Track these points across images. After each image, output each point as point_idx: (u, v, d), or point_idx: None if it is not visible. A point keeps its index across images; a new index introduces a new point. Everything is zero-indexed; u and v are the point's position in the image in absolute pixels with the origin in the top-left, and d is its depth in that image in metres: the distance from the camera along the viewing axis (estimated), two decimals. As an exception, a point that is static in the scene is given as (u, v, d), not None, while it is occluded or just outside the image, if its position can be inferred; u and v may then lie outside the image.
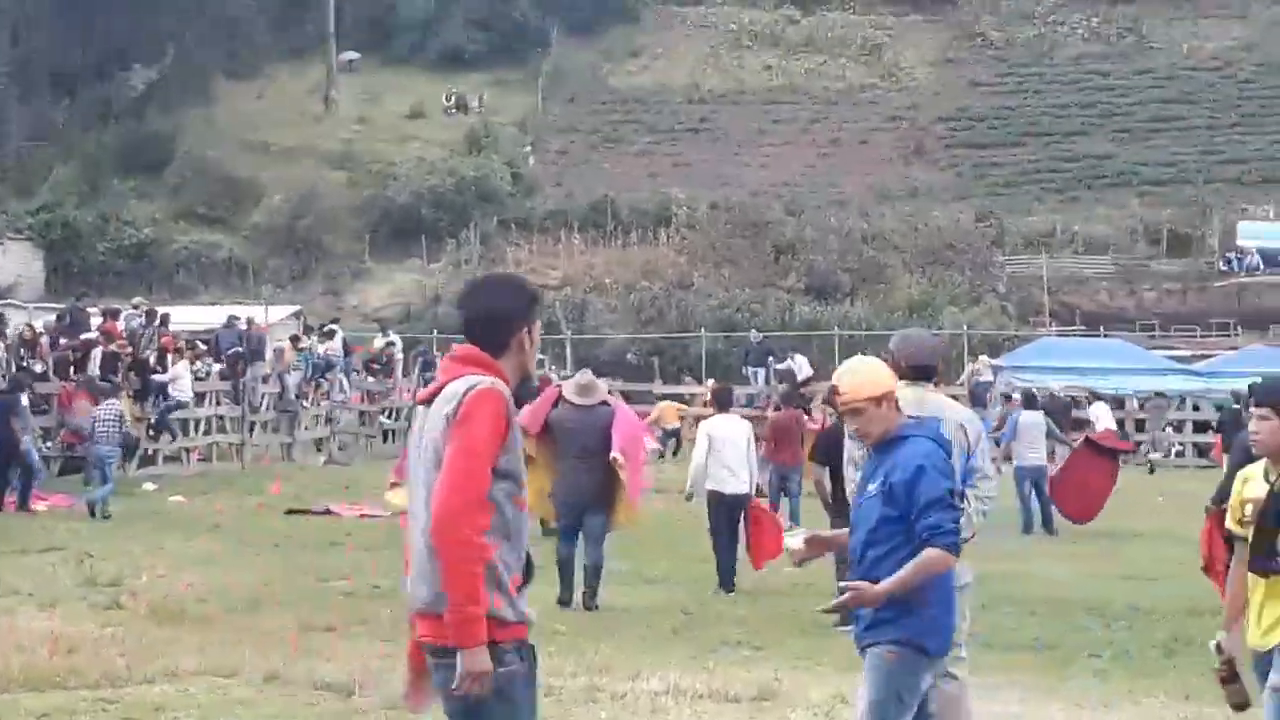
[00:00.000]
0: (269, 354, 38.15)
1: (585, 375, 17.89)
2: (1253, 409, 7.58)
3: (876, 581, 7.06)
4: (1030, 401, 28.58)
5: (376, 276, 71.00)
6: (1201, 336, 61.41)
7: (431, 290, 66.73)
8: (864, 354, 28.67)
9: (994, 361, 45.15)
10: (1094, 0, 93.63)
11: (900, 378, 8.57)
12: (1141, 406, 43.31)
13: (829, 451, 15.36)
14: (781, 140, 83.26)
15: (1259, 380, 9.50)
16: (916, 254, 65.55)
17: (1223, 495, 16.65)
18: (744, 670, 12.44)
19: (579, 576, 16.45)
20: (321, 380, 38.97)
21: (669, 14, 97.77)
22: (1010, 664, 13.06)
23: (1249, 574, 7.46)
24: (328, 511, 25.65)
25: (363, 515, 25.04)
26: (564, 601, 16.27)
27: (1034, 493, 25.87)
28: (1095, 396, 30.22)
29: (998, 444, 35.46)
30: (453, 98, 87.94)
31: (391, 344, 43.90)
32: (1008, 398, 41.06)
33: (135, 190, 74.91)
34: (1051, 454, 27.55)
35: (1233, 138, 79.17)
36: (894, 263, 64.29)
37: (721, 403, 19.35)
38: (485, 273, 8.94)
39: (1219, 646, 7.39)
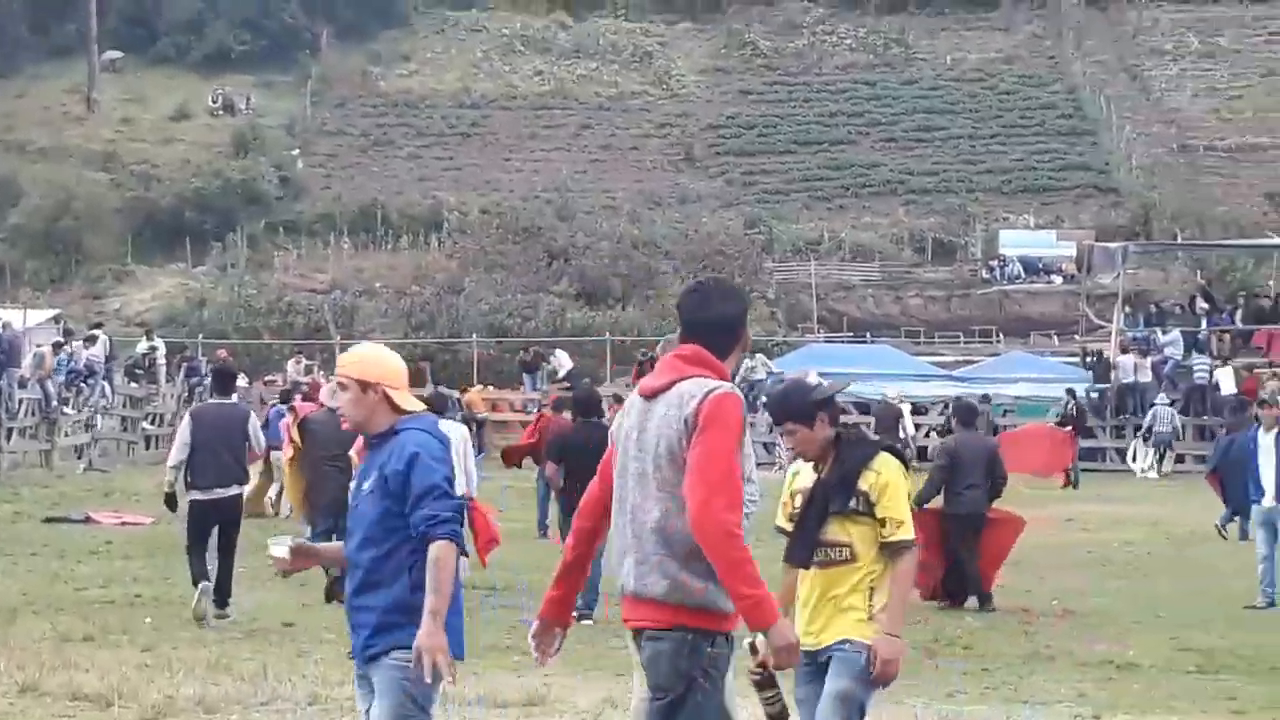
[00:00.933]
0: (26, 359, 37.21)
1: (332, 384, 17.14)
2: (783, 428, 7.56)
3: (378, 585, 6.69)
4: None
5: (139, 280, 69.73)
6: (965, 343, 62.63)
7: (196, 294, 65.71)
8: (640, 358, 28.88)
9: (770, 363, 45.56)
10: (862, 11, 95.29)
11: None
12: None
13: (562, 449, 16.81)
14: (553, 145, 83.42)
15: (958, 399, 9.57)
16: (687, 259, 65.87)
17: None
18: (513, 676, 12.37)
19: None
20: (83, 386, 38.15)
21: (440, 18, 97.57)
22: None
23: (796, 569, 7.45)
24: (87, 519, 25.10)
25: (123, 523, 24.60)
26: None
27: None
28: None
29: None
30: (219, 99, 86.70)
31: (154, 348, 43.09)
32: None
33: (-112, 189, 72.74)
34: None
35: (994, 147, 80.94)
36: (665, 268, 64.59)
37: (438, 408, 18.83)
38: (706, 278, 8.91)
39: (753, 647, 6.84)
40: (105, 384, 38.90)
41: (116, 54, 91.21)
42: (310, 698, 11.15)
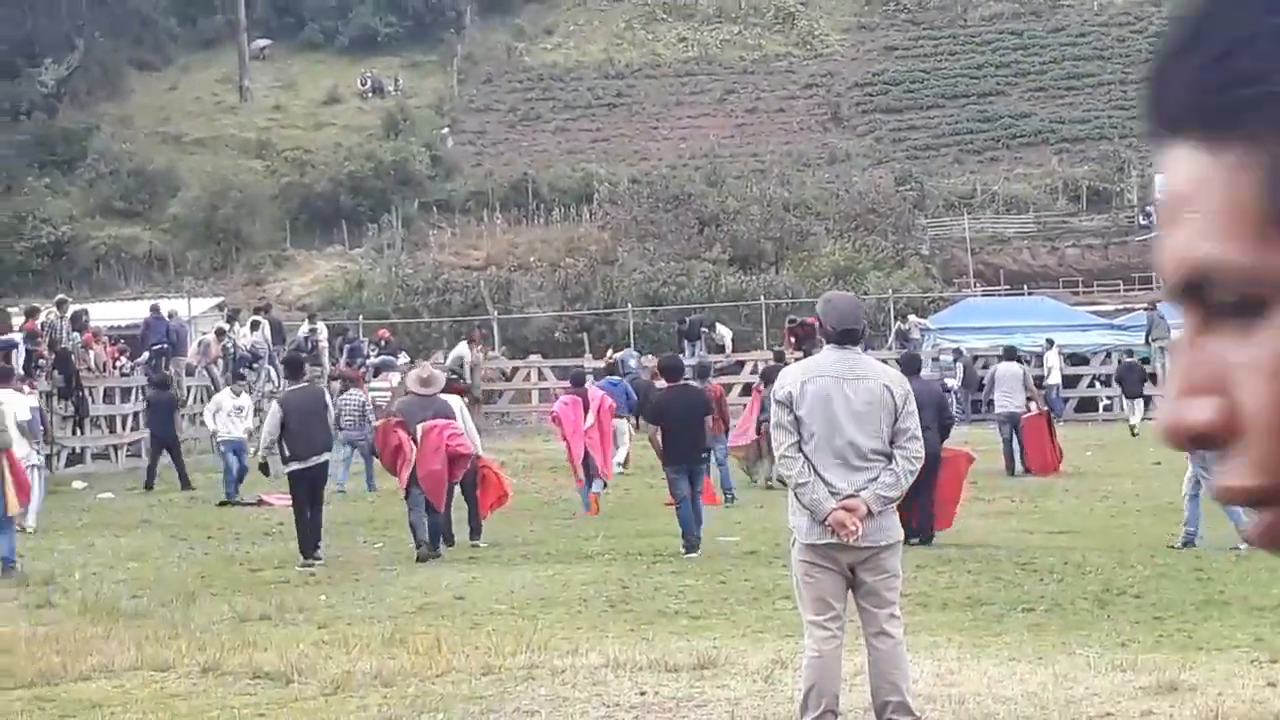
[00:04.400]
0: (191, 347, 37.87)
1: (426, 369, 20.38)
2: None
3: None
4: (1010, 353, 30.75)
5: (298, 264, 70.65)
6: (1124, 291, 61.86)
7: (355, 276, 66.44)
8: (790, 321, 29.66)
9: (922, 322, 45.35)
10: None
11: (827, 341, 8.63)
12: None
13: (659, 413, 18.81)
14: (699, 112, 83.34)
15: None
16: (839, 220, 65.64)
17: None
18: (683, 640, 12.45)
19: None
20: (250, 370, 38.74)
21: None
22: (945, 622, 13.14)
23: None
24: (260, 502, 25.54)
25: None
26: (422, 558, 18.22)
27: (1013, 435, 28.34)
28: (1010, 355, 30.62)
29: (957, 400, 37.02)
30: (368, 82, 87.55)
31: (315, 330, 43.63)
32: (936, 359, 41.61)
33: (50, 187, 74.18)
34: (1029, 400, 29.30)
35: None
36: (817, 230, 64.37)
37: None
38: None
39: None
40: (270, 368, 39.42)
41: (265, 42, 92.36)
42: (484, 668, 11.30)
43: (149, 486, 28.90)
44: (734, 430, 26.34)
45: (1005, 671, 10.84)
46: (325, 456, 18.99)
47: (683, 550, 18.23)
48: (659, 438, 18.60)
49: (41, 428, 25.68)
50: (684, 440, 18.53)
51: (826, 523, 8.29)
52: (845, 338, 8.62)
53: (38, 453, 24.89)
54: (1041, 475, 27.56)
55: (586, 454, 23.83)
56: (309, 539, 18.53)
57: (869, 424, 8.42)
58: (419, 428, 18.63)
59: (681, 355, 44.13)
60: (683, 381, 19.68)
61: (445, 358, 44.84)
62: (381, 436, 19.46)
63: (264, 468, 19.58)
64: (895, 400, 8.51)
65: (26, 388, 25.11)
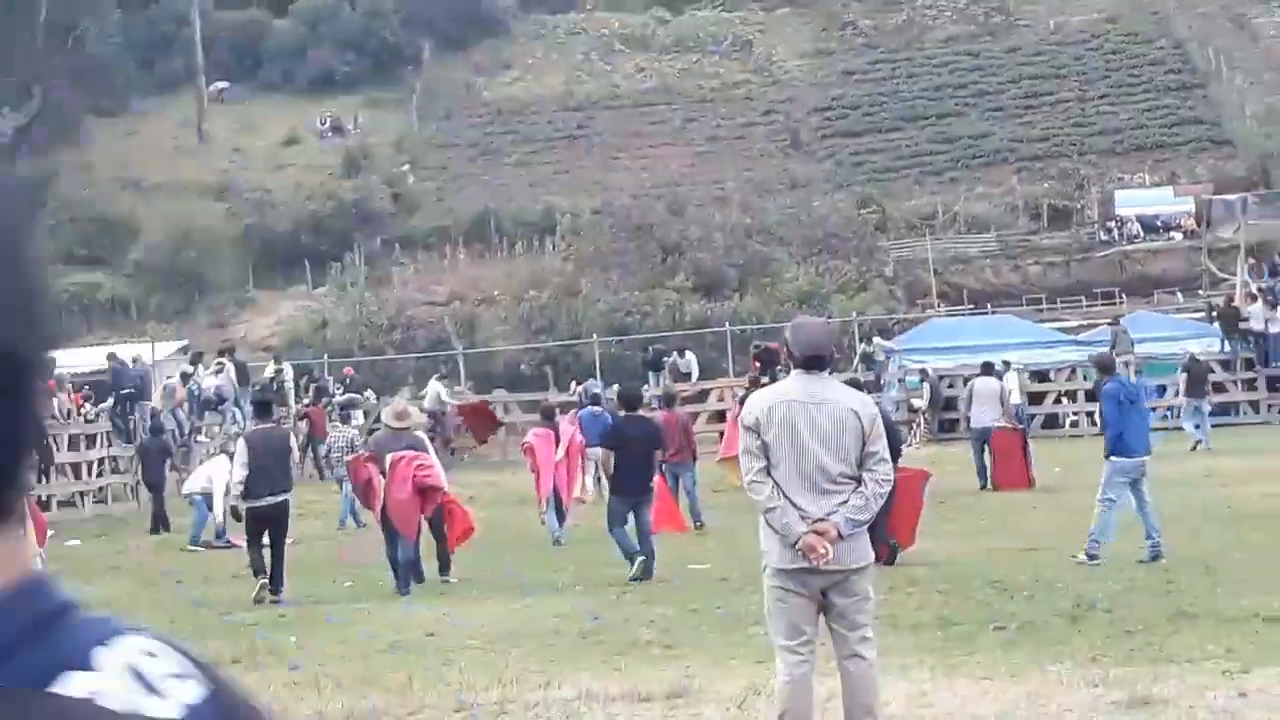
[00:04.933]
0: (156, 392, 37.76)
1: (400, 404, 21.17)
2: None
3: None
4: (988, 368, 31.20)
5: (262, 306, 70.53)
6: (1087, 307, 62.07)
7: (319, 315, 66.34)
8: (755, 347, 29.99)
9: (886, 344, 45.44)
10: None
11: (795, 366, 8.63)
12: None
13: (615, 440, 19.13)
14: (659, 141, 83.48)
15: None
16: (801, 245, 65.76)
17: None
18: (656, 670, 12.42)
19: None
20: (215, 412, 38.66)
21: (538, 23, 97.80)
22: (916, 643, 13.14)
23: None
24: (230, 544, 25.39)
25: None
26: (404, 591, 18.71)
27: (984, 449, 28.90)
28: (988, 370, 30.85)
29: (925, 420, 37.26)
30: (327, 121, 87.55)
31: (280, 371, 43.54)
32: (902, 380, 41.73)
33: (11, 236, 73.87)
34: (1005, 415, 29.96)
35: (1103, 109, 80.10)
36: (780, 255, 64.47)
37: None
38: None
39: None
40: (236, 410, 39.33)
41: (224, 84, 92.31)
42: (456, 706, 11.27)
43: (157, 531, 29.47)
44: (724, 442, 26.61)
45: (978, 691, 10.85)
46: (284, 497, 19.11)
47: (633, 574, 18.50)
48: (610, 464, 19.03)
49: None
50: (634, 470, 18.88)
51: (797, 547, 8.28)
52: (812, 363, 8.62)
53: None
54: (1009, 490, 27.70)
55: (555, 488, 24.07)
56: (273, 576, 18.85)
57: (837, 448, 8.42)
58: (388, 458, 18.69)
59: (647, 386, 44.36)
60: (640, 413, 20.14)
61: (411, 395, 44.84)
62: (354, 472, 19.86)
63: (235, 511, 19.69)
64: (863, 423, 8.51)
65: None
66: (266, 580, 18.73)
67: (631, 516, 18.94)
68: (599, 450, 28.17)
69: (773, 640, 8.57)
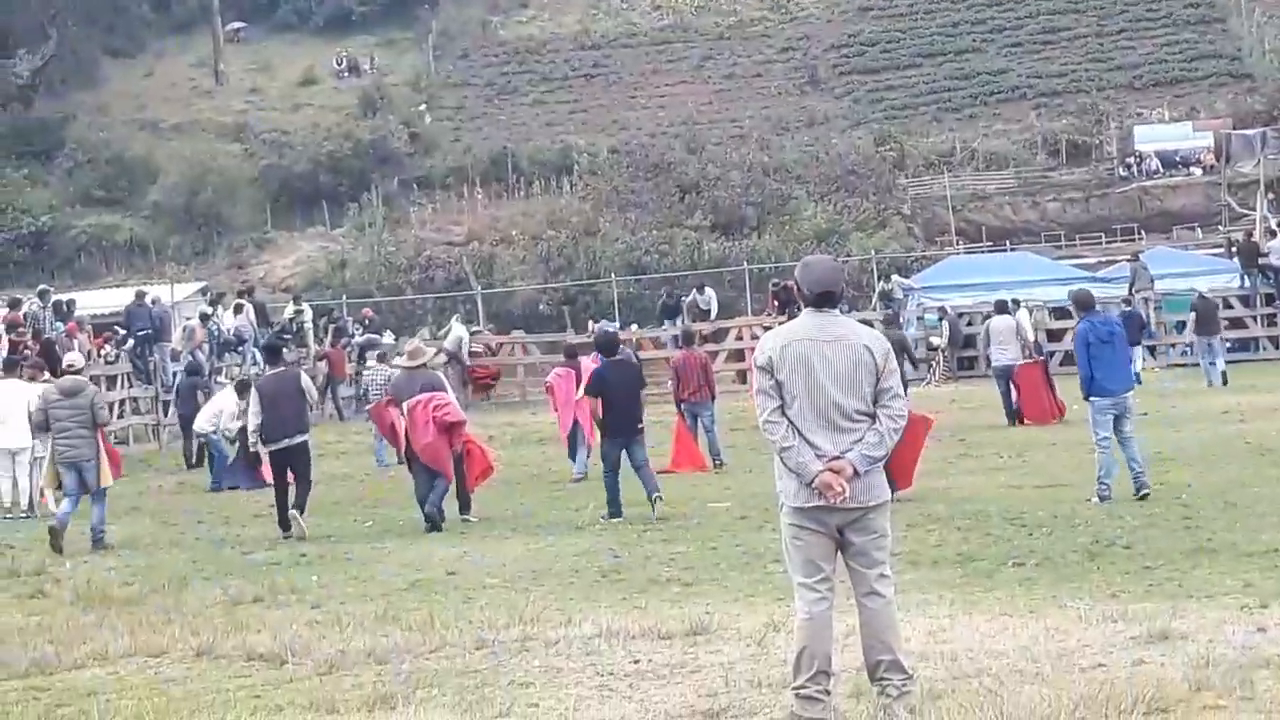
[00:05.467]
0: (176, 332, 37.82)
1: (413, 343, 21.79)
2: None
3: None
4: (1001, 307, 31.12)
5: (280, 246, 70.59)
6: (1107, 243, 61.94)
7: (337, 256, 66.40)
8: (773, 285, 30.18)
9: (905, 281, 45.36)
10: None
11: (805, 305, 8.62)
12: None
13: (599, 386, 19.29)
14: (676, 79, 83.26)
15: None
16: (819, 183, 65.67)
17: None
18: (675, 607, 12.46)
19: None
20: (235, 353, 38.72)
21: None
22: (936, 579, 13.17)
23: None
24: (259, 476, 25.20)
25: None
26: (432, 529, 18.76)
27: (1009, 387, 28.82)
28: (1001, 309, 30.81)
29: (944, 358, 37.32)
30: (344, 61, 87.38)
31: (300, 312, 43.59)
32: (921, 318, 41.69)
33: (29, 178, 74.05)
34: (1024, 350, 30.06)
35: (1122, 43, 79.71)
36: (798, 193, 64.38)
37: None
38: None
39: None
40: (255, 351, 39.35)
41: (239, 24, 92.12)
42: (477, 643, 11.31)
43: (192, 465, 30.05)
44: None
45: (997, 626, 10.87)
46: (299, 438, 19.34)
47: (603, 517, 18.86)
48: (599, 409, 19.27)
49: None
50: (622, 412, 19.18)
51: (813, 485, 8.29)
52: (823, 300, 8.59)
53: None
54: (1041, 423, 27.70)
55: (575, 424, 24.19)
56: (296, 499, 19.17)
57: (851, 385, 8.40)
58: (405, 405, 18.85)
59: (665, 328, 44.30)
60: (619, 356, 20.36)
61: (430, 334, 44.95)
62: (377, 415, 20.10)
63: (254, 456, 20.40)
64: (876, 360, 8.49)
65: (38, 374, 24.78)
66: (298, 513, 19.06)
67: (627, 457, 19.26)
68: (589, 400, 28.89)
69: (791, 578, 8.58)
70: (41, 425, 19.65)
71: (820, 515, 8.35)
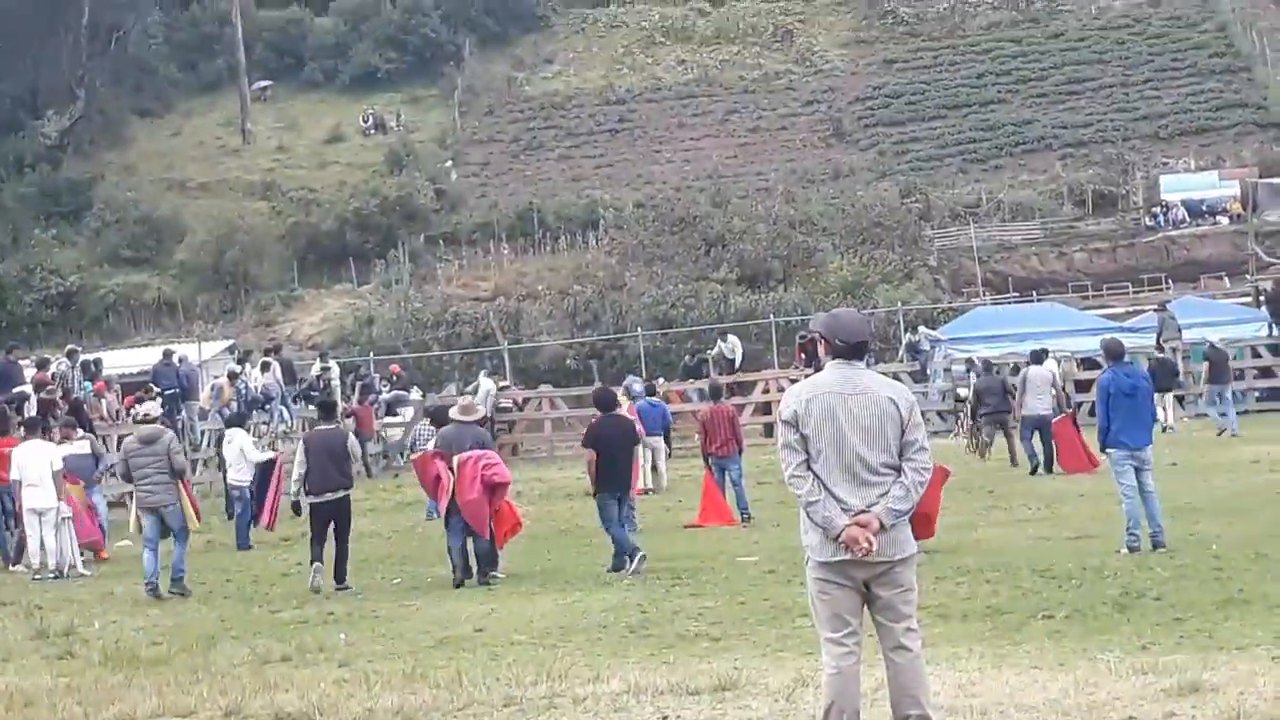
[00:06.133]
0: (204, 391, 37.91)
1: (466, 399, 22.72)
2: None
3: None
4: (1038, 357, 30.85)
5: (307, 304, 70.77)
6: (1134, 293, 61.82)
7: (364, 313, 66.54)
8: (801, 337, 30.25)
9: (931, 333, 45.29)
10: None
11: (832, 357, 8.62)
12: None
13: (595, 440, 19.66)
14: (701, 133, 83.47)
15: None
16: (845, 235, 65.69)
17: None
18: (703, 662, 12.43)
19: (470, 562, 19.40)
20: (263, 411, 38.78)
21: (579, 18, 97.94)
22: (965, 632, 13.12)
23: None
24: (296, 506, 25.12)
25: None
26: (459, 584, 19.03)
27: (1038, 437, 28.97)
28: (1038, 359, 30.72)
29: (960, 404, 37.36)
30: (370, 118, 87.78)
31: (327, 369, 43.68)
32: (948, 369, 41.58)
33: (57, 238, 74.44)
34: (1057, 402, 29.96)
35: (1147, 93, 79.75)
36: (824, 246, 64.41)
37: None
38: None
39: None
40: (283, 408, 39.45)
41: (266, 83, 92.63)
42: (505, 700, 11.30)
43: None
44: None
45: (1026, 680, 10.82)
46: (343, 493, 19.86)
47: (610, 569, 19.16)
48: (594, 463, 19.61)
49: (99, 468, 25.81)
50: (616, 467, 19.68)
51: (839, 539, 8.29)
52: (850, 353, 8.62)
53: (95, 493, 25.38)
54: (1078, 472, 27.55)
55: None
56: (338, 571, 19.61)
57: (876, 438, 8.42)
58: (456, 459, 19.18)
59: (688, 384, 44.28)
60: (614, 412, 20.85)
61: (457, 390, 45.00)
62: (421, 467, 20.22)
63: (295, 506, 20.53)
64: (901, 412, 8.50)
65: (71, 434, 25.20)
66: (321, 565, 19.45)
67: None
68: (657, 439, 29.82)
69: (818, 632, 8.57)
70: (124, 474, 20.75)
71: (846, 569, 8.35)
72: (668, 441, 31.46)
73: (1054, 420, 29.00)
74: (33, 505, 22.70)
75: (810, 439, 8.41)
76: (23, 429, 24.63)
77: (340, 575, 19.50)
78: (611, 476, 19.59)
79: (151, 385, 37.74)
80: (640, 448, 29.35)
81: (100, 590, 20.80)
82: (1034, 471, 28.61)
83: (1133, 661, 11.14)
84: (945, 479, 19.14)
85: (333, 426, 21.16)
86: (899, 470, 8.42)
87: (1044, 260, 68.50)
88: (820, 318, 9.02)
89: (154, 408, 23.64)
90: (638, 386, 34.97)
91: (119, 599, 19.82)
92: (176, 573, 19.90)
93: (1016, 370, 34.17)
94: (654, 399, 32.06)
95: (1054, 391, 29.88)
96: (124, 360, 47.45)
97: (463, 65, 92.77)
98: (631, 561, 18.99)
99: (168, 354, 38.42)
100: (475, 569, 19.24)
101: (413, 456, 23.44)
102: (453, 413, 20.64)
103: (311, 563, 19.53)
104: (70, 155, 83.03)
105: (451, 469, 19.27)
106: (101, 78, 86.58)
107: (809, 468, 8.41)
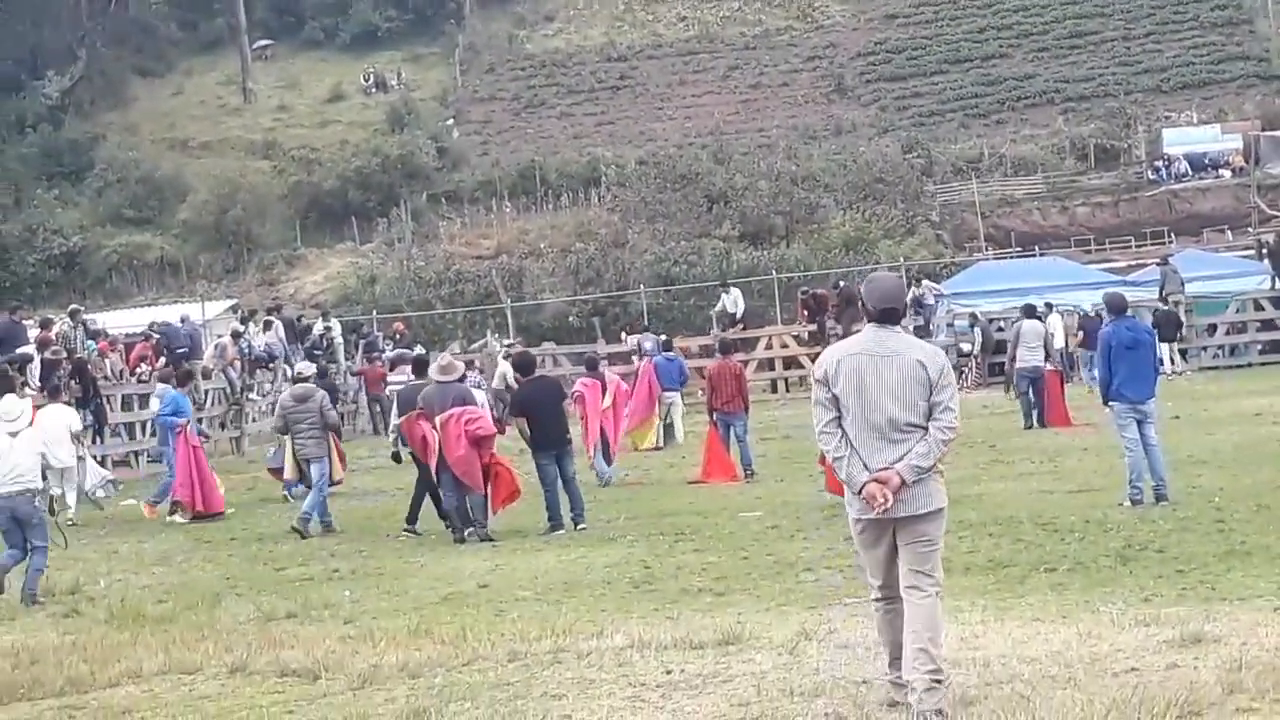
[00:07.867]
0: (209, 350, 37.94)
1: (445, 358, 22.03)
2: None
3: None
4: (1029, 311, 30.99)
5: (310, 262, 70.76)
6: (1136, 247, 61.76)
7: (366, 271, 66.51)
8: (802, 293, 30.31)
9: (935, 287, 45.22)
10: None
11: (869, 320, 8.82)
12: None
13: (522, 406, 19.91)
14: (703, 90, 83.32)
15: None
16: (847, 191, 65.59)
17: None
18: (707, 617, 12.46)
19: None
20: (266, 370, 38.84)
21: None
22: (968, 586, 13.15)
23: None
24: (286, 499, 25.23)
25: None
26: (461, 539, 19.13)
27: (1030, 390, 29.12)
28: (1030, 313, 30.74)
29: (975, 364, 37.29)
30: (370, 77, 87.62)
31: (329, 328, 43.68)
32: (951, 324, 41.59)
33: (59, 199, 74.37)
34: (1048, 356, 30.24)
35: (1149, 46, 79.55)
36: (826, 202, 64.31)
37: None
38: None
39: None
40: (286, 367, 39.46)
41: (267, 42, 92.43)
42: (510, 655, 11.32)
43: None
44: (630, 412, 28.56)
45: (1029, 632, 10.86)
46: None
47: (546, 531, 19.28)
48: (525, 428, 19.76)
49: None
50: (549, 427, 19.80)
51: (860, 495, 8.52)
52: (885, 316, 8.87)
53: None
54: (1060, 428, 27.86)
55: (602, 433, 24.67)
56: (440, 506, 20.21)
57: (904, 398, 8.64)
58: (438, 419, 18.99)
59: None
60: (538, 374, 21.45)
61: (460, 349, 44.97)
62: (408, 429, 20.10)
63: (396, 456, 21.95)
64: (929, 374, 8.68)
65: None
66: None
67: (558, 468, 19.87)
68: (674, 394, 30.56)
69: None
70: (281, 429, 22.45)
71: (876, 522, 8.61)
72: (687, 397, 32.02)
73: (1046, 372, 29.28)
74: (54, 464, 22.83)
75: (840, 398, 8.66)
76: (44, 394, 24.92)
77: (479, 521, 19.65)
78: (545, 438, 19.69)
79: (151, 334, 37.87)
80: (657, 404, 29.92)
81: (105, 549, 20.86)
82: (1028, 426, 28.76)
83: (1135, 613, 11.17)
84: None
85: (453, 379, 20.63)
86: (925, 430, 8.58)
87: (1046, 215, 68.43)
88: (864, 283, 9.24)
89: (306, 367, 24.26)
90: (649, 344, 35.03)
91: (124, 557, 19.88)
92: (305, 516, 20.98)
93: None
94: (670, 354, 32.24)
95: (1046, 347, 30.06)
96: (127, 320, 47.47)
97: (464, 23, 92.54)
98: (552, 527, 19.29)
99: (185, 320, 38.77)
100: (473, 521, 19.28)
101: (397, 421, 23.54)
102: (432, 371, 20.63)
103: (441, 515, 20.02)
104: (71, 115, 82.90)
105: (435, 428, 19.26)
106: (102, 38, 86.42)
107: (839, 425, 8.73)
